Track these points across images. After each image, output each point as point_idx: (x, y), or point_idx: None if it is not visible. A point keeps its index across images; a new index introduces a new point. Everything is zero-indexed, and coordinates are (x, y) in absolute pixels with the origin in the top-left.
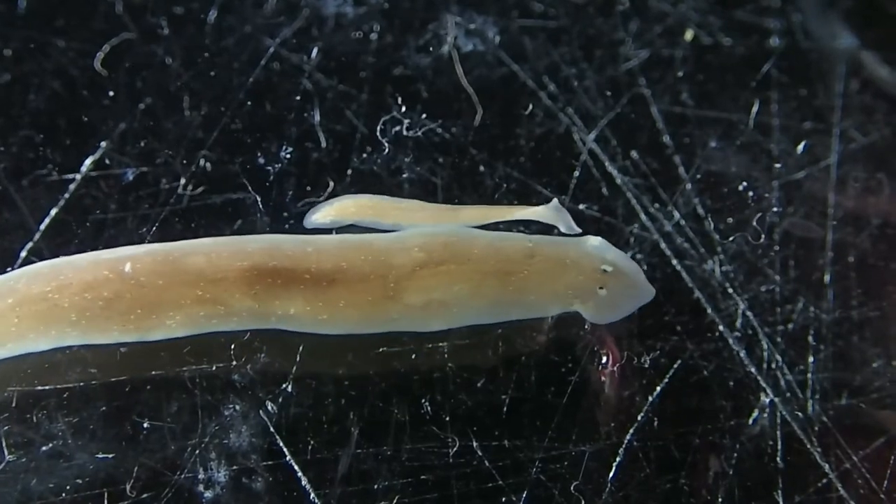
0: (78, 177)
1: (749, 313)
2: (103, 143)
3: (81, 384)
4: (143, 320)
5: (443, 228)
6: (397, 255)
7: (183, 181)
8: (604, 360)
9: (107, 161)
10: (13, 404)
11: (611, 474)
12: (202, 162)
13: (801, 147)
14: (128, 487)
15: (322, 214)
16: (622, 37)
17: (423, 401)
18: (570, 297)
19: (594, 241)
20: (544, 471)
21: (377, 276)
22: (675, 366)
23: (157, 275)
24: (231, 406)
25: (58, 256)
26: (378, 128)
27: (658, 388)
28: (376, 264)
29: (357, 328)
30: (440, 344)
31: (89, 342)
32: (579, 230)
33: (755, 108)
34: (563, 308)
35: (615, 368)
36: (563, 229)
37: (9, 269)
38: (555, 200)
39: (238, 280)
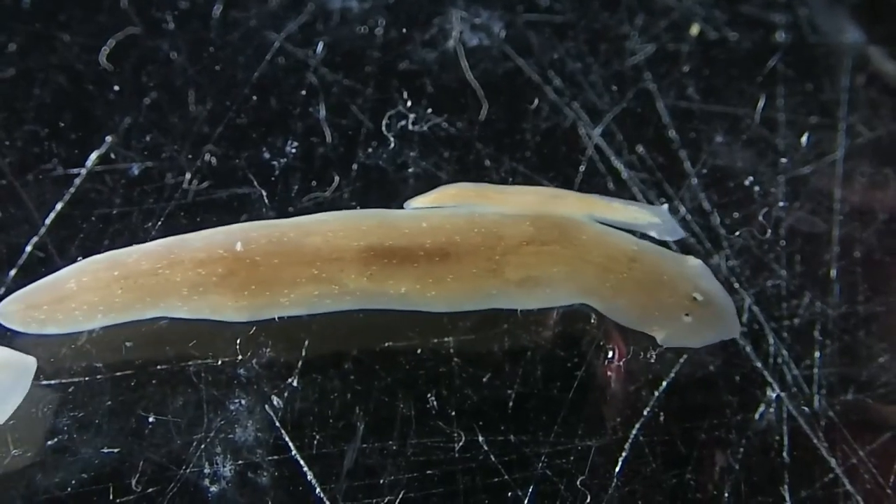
0: (83, 171)
1: (755, 308)
2: (108, 138)
3: (87, 379)
4: (257, 297)
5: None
6: (508, 227)
7: (188, 176)
8: (610, 354)
9: (112, 156)
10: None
11: (617, 469)
12: (207, 157)
13: (804, 139)
14: (133, 482)
15: (422, 202)
16: (628, 31)
17: (428, 395)
18: (655, 315)
19: (693, 262)
20: (550, 466)
21: (486, 247)
22: (681, 360)
23: (273, 255)
24: (236, 400)
25: (62, 251)
26: (383, 122)
27: (664, 383)
28: (488, 236)
29: (459, 304)
30: (445, 339)
31: (201, 316)
32: (682, 233)
33: (761, 103)
34: (642, 327)
35: (621, 363)
36: (657, 236)
37: (13, 264)
38: (663, 208)
39: (354, 260)
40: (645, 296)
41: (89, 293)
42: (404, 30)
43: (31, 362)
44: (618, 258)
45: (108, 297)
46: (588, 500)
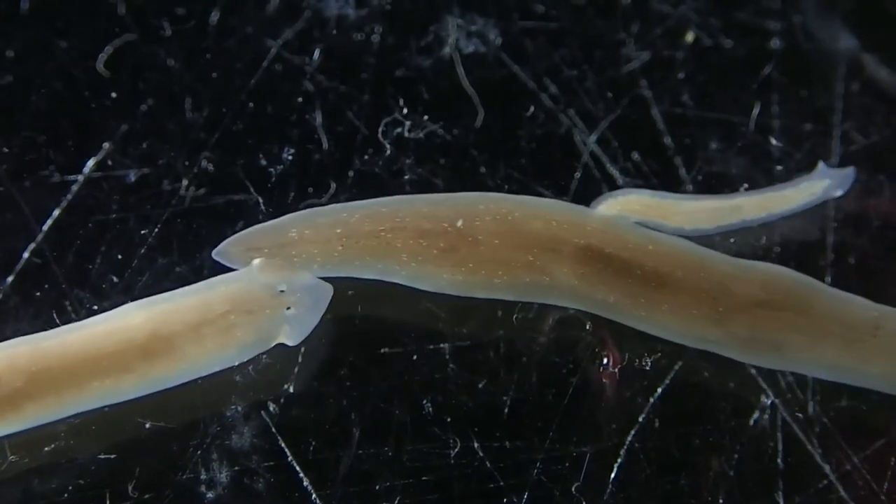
0: (80, 178)
1: None
2: (105, 145)
3: None
4: (473, 275)
5: (789, 272)
6: (738, 285)
7: (185, 182)
8: (605, 361)
9: (109, 162)
10: None
11: (612, 475)
12: (204, 163)
13: (794, 145)
14: (129, 488)
15: (607, 206)
16: (623, 38)
17: (424, 402)
18: None
19: None
20: (545, 472)
21: (710, 297)
22: (676, 367)
23: (495, 234)
24: (233, 407)
25: (60, 258)
26: (379, 129)
27: (659, 390)
28: (715, 286)
29: (670, 334)
30: (441, 345)
31: (414, 285)
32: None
33: (756, 110)
34: None
35: (616, 370)
36: (836, 193)
37: (11, 270)
38: (820, 168)
39: (570, 255)
40: None
41: (310, 245)
42: (400, 37)
43: (328, 288)
44: (859, 328)
45: (328, 251)
46: None
